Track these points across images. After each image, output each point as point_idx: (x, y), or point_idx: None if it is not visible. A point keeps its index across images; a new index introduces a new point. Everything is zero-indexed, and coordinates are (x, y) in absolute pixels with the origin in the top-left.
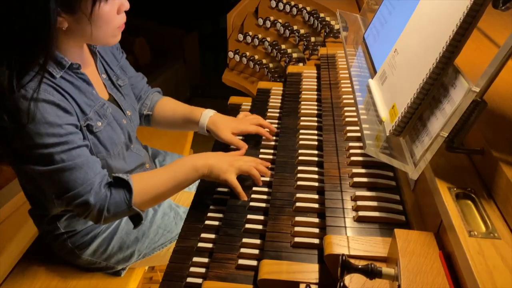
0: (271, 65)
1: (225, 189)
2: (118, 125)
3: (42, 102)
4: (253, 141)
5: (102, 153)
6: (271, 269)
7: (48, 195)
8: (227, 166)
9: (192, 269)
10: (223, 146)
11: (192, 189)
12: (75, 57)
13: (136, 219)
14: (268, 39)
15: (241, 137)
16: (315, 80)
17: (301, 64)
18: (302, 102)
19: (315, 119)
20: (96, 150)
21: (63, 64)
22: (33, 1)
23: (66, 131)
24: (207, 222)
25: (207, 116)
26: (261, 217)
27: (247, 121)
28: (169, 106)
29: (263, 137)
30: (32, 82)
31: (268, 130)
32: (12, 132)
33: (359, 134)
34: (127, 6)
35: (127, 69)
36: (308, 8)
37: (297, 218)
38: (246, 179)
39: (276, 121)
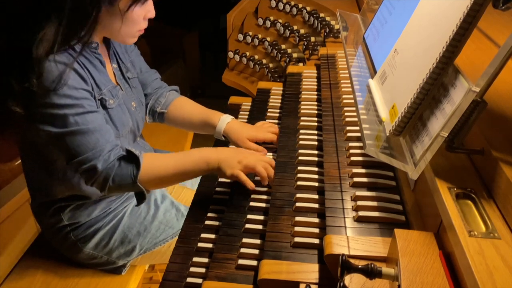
0: (271, 65)
1: (225, 189)
2: (127, 109)
3: (69, 69)
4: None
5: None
6: (271, 269)
7: (56, 167)
8: (235, 163)
9: (192, 269)
10: (225, 142)
11: (195, 186)
12: (94, 39)
13: (140, 197)
14: (268, 39)
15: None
16: (315, 80)
17: (301, 64)
18: (302, 102)
19: (315, 119)
20: None
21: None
22: None
23: (81, 95)
24: (207, 222)
25: (224, 122)
26: (261, 217)
27: (264, 129)
28: (187, 107)
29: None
30: (64, 52)
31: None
32: (35, 94)
33: (359, 134)
34: (153, 14)
35: (140, 64)
36: (308, 8)
37: (297, 218)
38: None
39: (276, 121)
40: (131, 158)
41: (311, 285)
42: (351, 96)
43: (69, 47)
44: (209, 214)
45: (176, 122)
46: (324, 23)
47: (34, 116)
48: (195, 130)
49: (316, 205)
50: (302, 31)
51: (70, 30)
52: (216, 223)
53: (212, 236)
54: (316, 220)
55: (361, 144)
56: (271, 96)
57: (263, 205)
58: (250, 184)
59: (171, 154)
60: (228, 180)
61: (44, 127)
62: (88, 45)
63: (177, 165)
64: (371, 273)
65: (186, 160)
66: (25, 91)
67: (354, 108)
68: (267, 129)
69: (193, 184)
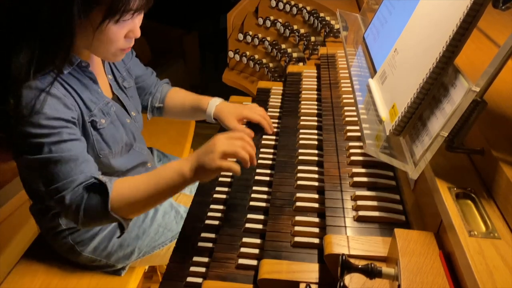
0: (271, 64)
1: (225, 189)
2: (121, 124)
3: (45, 94)
4: (254, 138)
5: (104, 150)
6: (271, 268)
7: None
8: (210, 155)
9: (192, 268)
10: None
11: (192, 192)
12: (84, 55)
13: (121, 227)
14: (268, 38)
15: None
16: (315, 79)
17: (301, 64)
18: (302, 102)
19: (315, 118)
20: (99, 147)
21: (73, 61)
22: (58, 4)
23: (60, 125)
24: (207, 221)
25: (213, 105)
26: (261, 217)
27: (253, 110)
28: (179, 97)
29: (263, 135)
30: (46, 76)
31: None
32: (13, 119)
33: (359, 134)
34: (137, 34)
35: (137, 67)
36: (308, 8)
37: (297, 218)
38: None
39: (276, 120)
40: (98, 186)
41: (311, 285)
42: (351, 95)
43: (52, 68)
44: (209, 214)
45: (172, 112)
46: (324, 23)
47: (14, 143)
48: (189, 117)
49: (316, 205)
50: (302, 30)
51: (47, 50)
52: (216, 222)
53: (212, 235)
54: (316, 219)
55: (361, 144)
56: (271, 96)
57: (263, 204)
58: (246, 165)
59: (143, 175)
60: (228, 180)
61: (20, 154)
62: (79, 65)
63: (149, 184)
64: (371, 273)
65: (158, 178)
66: (3, 114)
67: (354, 108)
68: (256, 111)
69: (191, 190)
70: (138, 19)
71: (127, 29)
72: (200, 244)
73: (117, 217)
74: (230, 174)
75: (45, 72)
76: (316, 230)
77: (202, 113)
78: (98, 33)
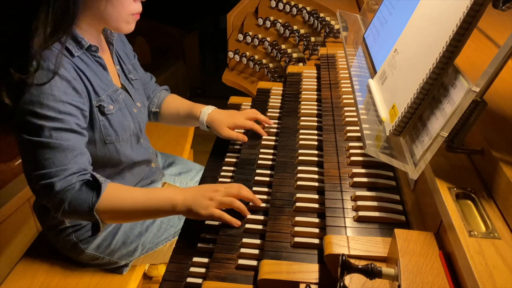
0: (271, 65)
1: None
2: (129, 112)
3: (56, 76)
4: (253, 138)
5: (111, 136)
6: (271, 269)
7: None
8: (207, 201)
9: (192, 269)
10: (225, 142)
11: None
12: (93, 40)
13: (95, 228)
14: (268, 39)
15: (241, 131)
16: (315, 80)
17: (301, 64)
18: (302, 102)
19: (315, 119)
20: (105, 133)
21: (82, 44)
22: None
23: (66, 110)
24: (207, 222)
25: (205, 113)
26: (261, 217)
27: (244, 115)
28: (174, 104)
29: (263, 136)
30: (53, 54)
31: (264, 124)
32: (25, 93)
33: (359, 134)
34: None
35: (138, 69)
36: (308, 8)
37: (297, 218)
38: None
39: (276, 121)
40: (94, 184)
41: (311, 285)
42: (351, 96)
43: (61, 35)
44: None
45: (167, 119)
46: (324, 23)
47: (15, 121)
48: (183, 124)
49: (316, 205)
50: (302, 31)
51: (59, 14)
52: (216, 223)
53: (212, 236)
54: (316, 220)
55: (361, 144)
56: (271, 96)
57: (263, 205)
58: (237, 223)
59: (139, 188)
60: (228, 180)
61: (20, 133)
62: (88, 49)
63: (139, 199)
64: (371, 273)
65: (149, 197)
66: (20, 84)
67: (354, 108)
68: (247, 115)
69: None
70: None
71: None
72: (200, 244)
73: (97, 218)
74: (230, 174)
75: (56, 39)
76: (316, 230)
77: (195, 121)
78: None
